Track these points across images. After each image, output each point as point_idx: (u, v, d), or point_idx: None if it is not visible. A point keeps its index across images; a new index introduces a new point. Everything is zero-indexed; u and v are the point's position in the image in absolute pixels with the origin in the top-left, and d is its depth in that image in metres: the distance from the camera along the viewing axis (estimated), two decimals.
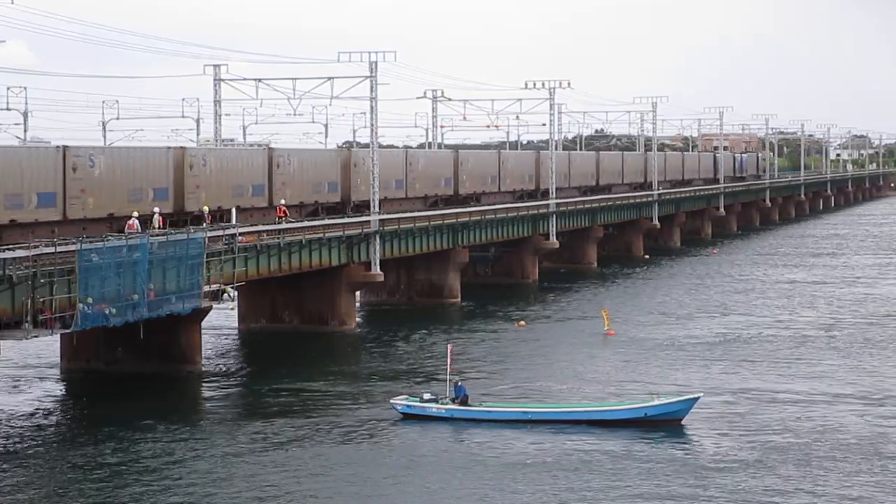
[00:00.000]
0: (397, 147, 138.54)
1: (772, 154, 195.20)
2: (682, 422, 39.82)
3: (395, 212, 70.94)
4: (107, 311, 43.27)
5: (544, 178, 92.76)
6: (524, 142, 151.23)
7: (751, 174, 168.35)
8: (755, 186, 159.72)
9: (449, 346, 44.77)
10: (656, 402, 40.27)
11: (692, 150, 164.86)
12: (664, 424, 39.42)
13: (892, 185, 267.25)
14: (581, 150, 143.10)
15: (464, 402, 41.28)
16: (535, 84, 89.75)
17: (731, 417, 40.87)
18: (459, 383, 42.08)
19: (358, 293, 68.18)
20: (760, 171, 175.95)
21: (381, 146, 72.35)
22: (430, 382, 46.69)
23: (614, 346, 56.50)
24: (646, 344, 57.01)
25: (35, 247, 42.21)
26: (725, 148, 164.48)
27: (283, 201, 61.30)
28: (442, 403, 41.41)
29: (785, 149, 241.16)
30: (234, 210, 58.90)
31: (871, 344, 56.95)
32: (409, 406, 41.58)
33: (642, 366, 51.26)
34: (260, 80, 65.96)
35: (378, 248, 64.51)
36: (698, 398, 40.78)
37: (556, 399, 44.20)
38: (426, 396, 41.95)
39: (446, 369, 43.34)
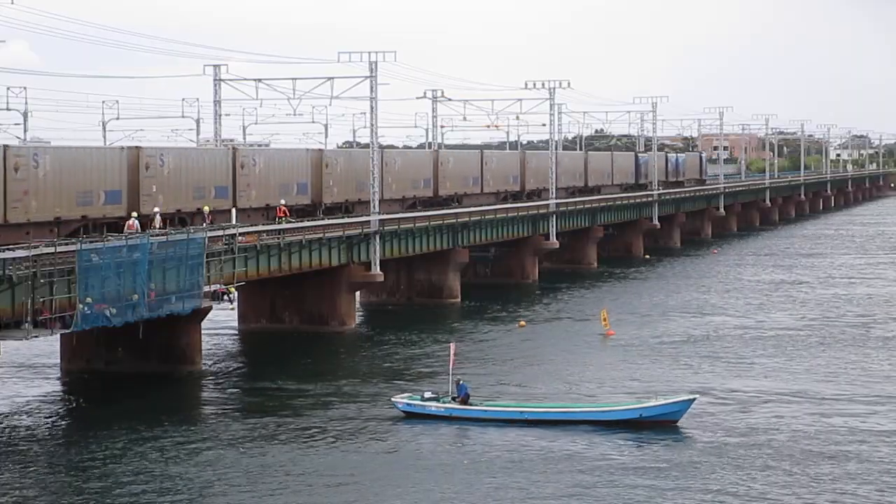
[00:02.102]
0: (397, 147, 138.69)
1: (771, 154, 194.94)
2: (678, 423, 39.74)
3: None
4: (107, 312, 43.28)
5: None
6: (524, 142, 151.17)
7: (692, 178, 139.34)
8: (755, 186, 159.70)
9: (451, 344, 44.83)
10: (651, 404, 40.22)
11: (691, 150, 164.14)
12: (660, 426, 39.36)
13: (892, 185, 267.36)
14: (581, 150, 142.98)
15: (465, 401, 41.32)
16: (535, 84, 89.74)
17: (728, 419, 40.79)
18: (461, 382, 42.14)
19: (358, 293, 68.20)
20: (705, 175, 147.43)
21: (380, 146, 72.33)
22: (430, 382, 46.69)
23: (614, 347, 56.51)
24: (645, 344, 57.03)
25: (35, 247, 42.23)
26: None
27: (283, 202, 61.29)
28: (443, 402, 41.48)
29: (785, 149, 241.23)
30: (233, 211, 58.90)
31: (870, 344, 56.97)
32: (409, 404, 41.65)
33: (642, 366, 51.27)
34: (260, 80, 65.95)
35: (378, 248, 64.53)
36: (694, 399, 40.67)
37: (554, 399, 44.19)
38: (427, 395, 42.04)
39: (448, 368, 43.40)
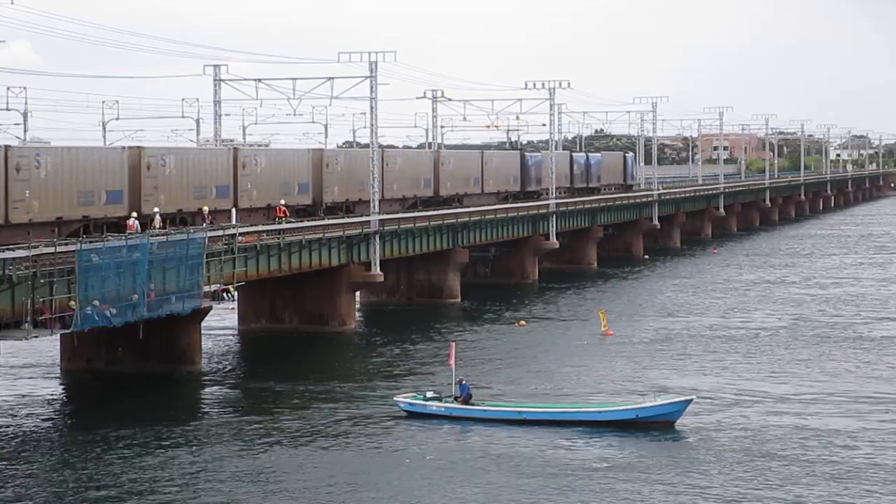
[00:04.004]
0: (397, 147, 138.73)
1: (771, 154, 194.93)
2: (676, 424, 39.63)
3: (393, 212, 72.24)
4: (107, 312, 43.29)
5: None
6: (524, 142, 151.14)
7: (612, 184, 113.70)
8: (755, 186, 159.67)
9: (452, 344, 44.87)
10: (647, 404, 40.16)
11: (692, 150, 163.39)
12: (656, 426, 39.27)
13: (892, 185, 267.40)
14: (581, 150, 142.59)
15: (466, 401, 41.37)
16: (535, 84, 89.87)
17: (726, 420, 40.65)
18: (464, 381, 42.20)
19: (358, 293, 68.22)
20: (631, 179, 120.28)
21: (380, 146, 72.31)
22: (429, 382, 46.72)
23: (613, 347, 56.51)
24: (645, 344, 57.05)
25: (35, 247, 42.22)
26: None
27: (283, 202, 61.26)
28: (445, 401, 41.53)
29: (785, 149, 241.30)
30: (234, 211, 58.86)
31: (866, 345, 56.96)
32: (411, 404, 41.73)
33: (641, 366, 51.27)
34: (260, 80, 65.95)
35: (378, 248, 64.53)
36: (691, 400, 40.48)
37: (552, 399, 44.21)
38: (429, 394, 42.18)
39: (449, 368, 43.43)
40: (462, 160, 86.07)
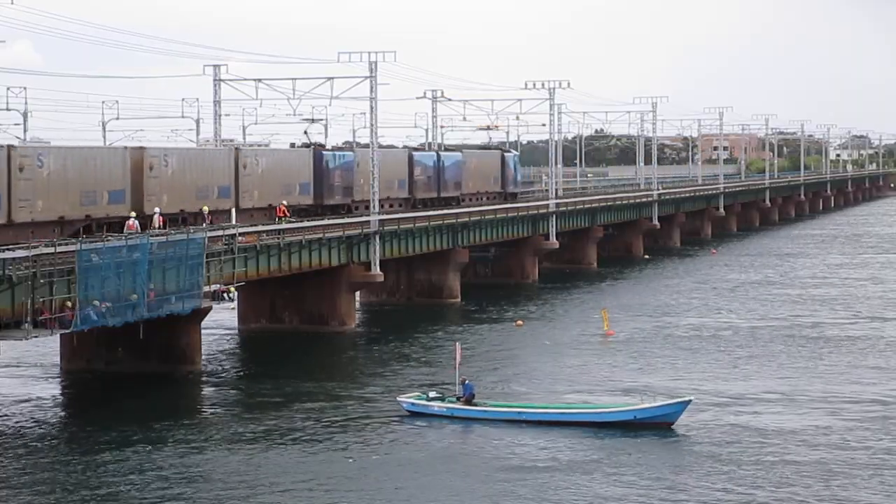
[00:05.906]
0: (397, 147, 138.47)
1: (771, 154, 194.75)
2: (674, 425, 39.55)
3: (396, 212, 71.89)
4: (105, 311, 43.29)
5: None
6: (524, 142, 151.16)
7: (483, 192, 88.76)
8: (755, 186, 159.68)
9: (456, 344, 44.91)
10: (645, 406, 40.15)
11: (691, 151, 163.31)
12: (655, 428, 39.23)
13: (892, 185, 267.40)
14: (581, 150, 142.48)
15: (469, 401, 41.39)
16: (534, 84, 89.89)
17: (725, 421, 40.50)
18: (467, 381, 42.22)
19: (358, 293, 68.21)
20: (514, 185, 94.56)
21: (380, 146, 72.26)
22: (429, 382, 46.73)
23: (613, 347, 56.51)
24: (645, 345, 57.04)
25: (35, 247, 42.21)
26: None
27: (284, 202, 61.20)
28: (448, 401, 41.57)
29: (785, 149, 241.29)
30: (233, 210, 58.82)
31: (873, 346, 56.97)
32: (414, 403, 41.79)
33: (641, 367, 51.26)
34: (260, 80, 65.96)
35: (378, 248, 64.54)
36: (689, 402, 40.35)
37: (552, 399, 44.19)
38: (431, 394, 42.28)
39: (453, 368, 43.47)
40: (192, 162, 56.77)
